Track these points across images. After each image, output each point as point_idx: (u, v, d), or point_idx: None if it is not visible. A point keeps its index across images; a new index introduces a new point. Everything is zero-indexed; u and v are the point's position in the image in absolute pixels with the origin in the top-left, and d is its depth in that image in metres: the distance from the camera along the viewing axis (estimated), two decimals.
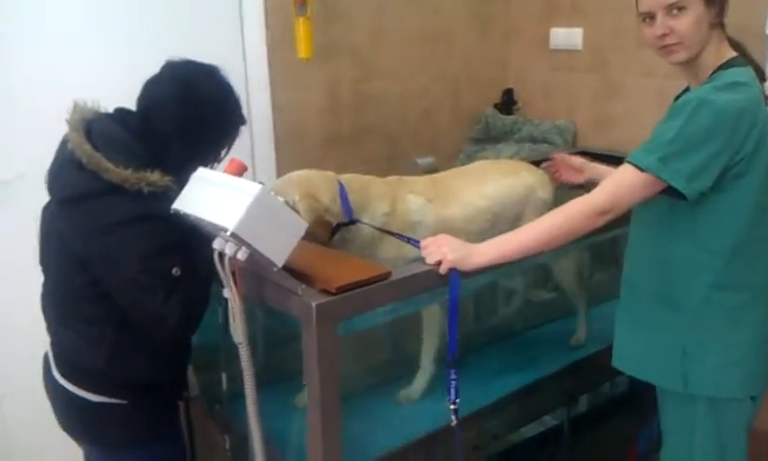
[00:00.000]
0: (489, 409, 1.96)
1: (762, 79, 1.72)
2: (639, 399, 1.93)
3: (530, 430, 2.44)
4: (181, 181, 1.58)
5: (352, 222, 1.90)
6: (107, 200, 1.54)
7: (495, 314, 2.49)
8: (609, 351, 1.88)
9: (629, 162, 1.63)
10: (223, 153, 1.76)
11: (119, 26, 2.47)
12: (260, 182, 1.49)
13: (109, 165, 1.53)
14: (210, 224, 1.47)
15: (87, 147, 1.55)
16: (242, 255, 1.47)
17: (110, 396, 1.66)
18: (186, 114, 1.63)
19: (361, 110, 3.10)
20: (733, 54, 1.69)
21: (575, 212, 1.66)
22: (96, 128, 1.61)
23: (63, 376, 1.68)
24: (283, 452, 1.74)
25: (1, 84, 2.35)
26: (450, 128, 3.44)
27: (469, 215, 2.05)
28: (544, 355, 2.23)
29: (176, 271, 1.57)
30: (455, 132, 3.46)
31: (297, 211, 1.79)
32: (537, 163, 2.80)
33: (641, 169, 1.60)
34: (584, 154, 3.02)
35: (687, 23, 1.62)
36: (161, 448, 1.77)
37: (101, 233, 1.54)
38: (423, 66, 3.28)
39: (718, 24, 1.66)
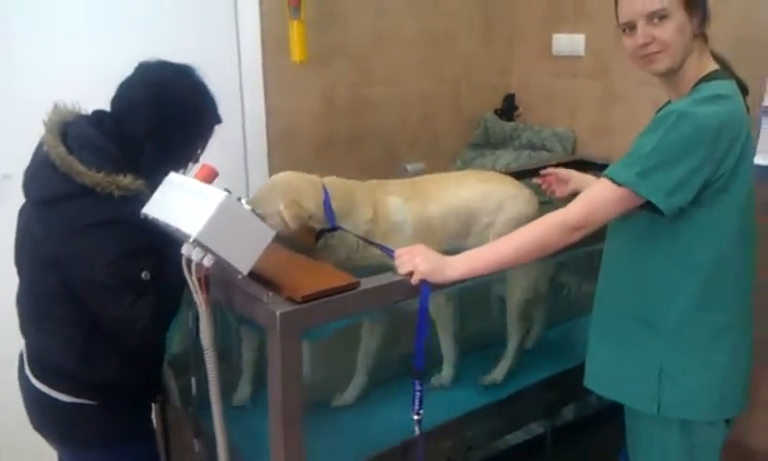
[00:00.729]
0: (464, 419, 1.95)
1: (745, 92, 1.68)
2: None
3: (511, 439, 2.41)
4: (155, 185, 1.58)
5: (334, 228, 1.89)
6: (78, 202, 1.55)
7: (480, 320, 2.47)
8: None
9: (605, 176, 1.60)
10: (198, 153, 1.76)
11: (114, 30, 2.50)
12: (226, 190, 1.48)
13: (82, 168, 1.54)
14: (176, 230, 1.48)
15: (61, 149, 1.57)
16: (208, 262, 1.47)
17: (81, 396, 1.67)
18: (158, 117, 1.63)
19: (357, 115, 3.09)
20: (715, 66, 1.66)
21: (548, 227, 1.63)
22: (73, 130, 1.63)
23: (35, 375, 1.70)
24: (250, 458, 1.74)
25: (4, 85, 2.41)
26: (449, 133, 3.42)
27: (445, 214, 2.05)
28: (526, 366, 2.21)
29: (145, 275, 1.58)
30: (454, 137, 3.44)
31: (283, 219, 1.81)
32: (533, 172, 2.80)
33: (618, 183, 1.57)
34: (580, 162, 3.03)
35: (670, 31, 1.58)
36: (132, 449, 1.77)
37: (72, 235, 1.55)
38: (423, 70, 3.27)
39: (700, 35, 1.63)
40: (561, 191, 2.20)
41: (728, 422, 1.73)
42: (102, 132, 1.63)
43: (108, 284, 1.55)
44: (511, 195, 2.15)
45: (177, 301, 1.66)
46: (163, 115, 1.64)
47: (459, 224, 2.06)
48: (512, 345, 2.23)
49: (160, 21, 2.59)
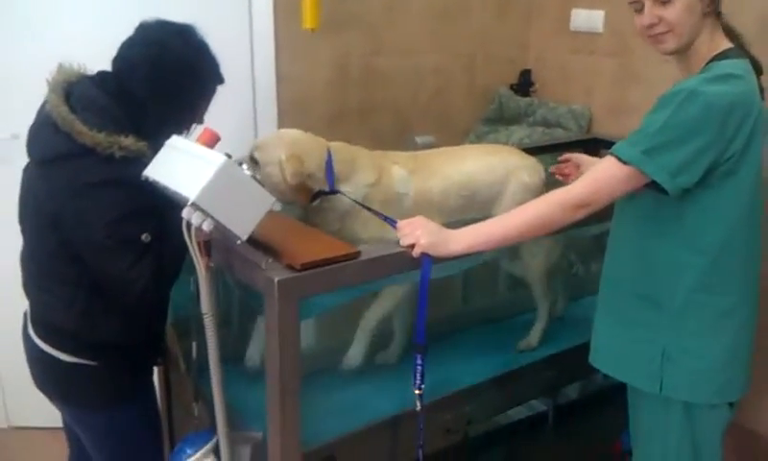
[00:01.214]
0: (464, 393, 1.94)
1: (759, 72, 1.64)
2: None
3: (514, 415, 2.41)
4: (157, 147, 1.58)
5: (333, 192, 1.88)
6: (79, 162, 1.54)
7: (485, 295, 2.45)
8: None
9: (611, 153, 1.57)
10: (201, 114, 1.75)
11: None
12: (227, 154, 1.47)
13: (83, 128, 1.54)
14: (175, 193, 1.47)
15: (63, 109, 1.56)
16: (207, 227, 1.46)
17: (82, 357, 1.68)
18: (159, 76, 1.62)
19: (369, 85, 3.06)
20: (729, 45, 1.62)
21: (553, 204, 1.61)
22: (76, 90, 1.62)
23: (37, 334, 1.71)
24: (248, 423, 1.75)
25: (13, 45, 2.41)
26: (463, 107, 3.38)
27: (447, 189, 2.03)
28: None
29: (145, 236, 1.57)
30: (467, 111, 3.40)
31: (282, 170, 1.81)
32: (546, 149, 2.77)
33: (624, 161, 1.54)
34: (594, 141, 2.99)
35: (676, 12, 1.55)
36: (131, 410, 1.79)
37: (72, 195, 1.55)
38: (437, 42, 3.22)
39: (712, 12, 1.59)
40: (574, 175, 2.17)
41: (731, 405, 1.72)
42: (105, 92, 1.62)
43: (108, 245, 1.55)
44: (516, 166, 2.14)
45: (178, 264, 1.66)
46: (163, 74, 1.63)
47: (462, 198, 2.05)
48: (542, 308, 2.24)
49: None
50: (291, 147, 1.86)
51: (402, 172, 1.99)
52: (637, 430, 1.82)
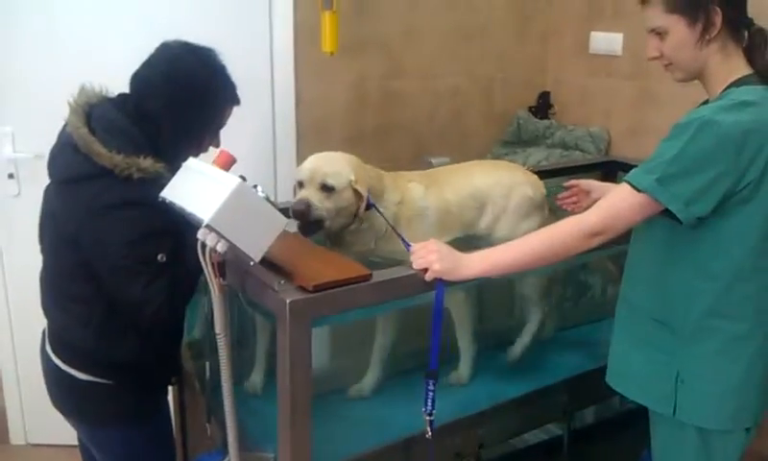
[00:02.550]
0: (476, 416, 1.93)
1: None
2: (647, 416, 1.87)
3: (529, 439, 2.39)
4: (175, 168, 1.60)
5: (369, 206, 1.89)
6: (97, 183, 1.58)
7: (498, 318, 2.45)
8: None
9: (626, 181, 1.58)
10: (217, 135, 1.78)
11: (148, 16, 2.54)
12: (241, 177, 1.50)
13: (102, 150, 1.57)
14: (191, 215, 1.50)
15: (83, 130, 1.60)
16: (221, 248, 1.48)
17: (97, 375, 1.71)
18: (171, 90, 1.65)
19: (387, 108, 3.09)
20: (748, 70, 1.61)
21: (567, 232, 1.61)
22: (96, 112, 1.66)
23: (54, 352, 1.74)
24: (260, 444, 1.75)
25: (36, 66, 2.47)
26: (480, 129, 3.39)
27: (462, 201, 2.08)
28: (542, 366, 2.19)
29: (161, 257, 1.60)
30: (485, 133, 3.41)
31: (354, 192, 1.85)
32: (563, 171, 2.76)
33: (638, 189, 1.54)
34: (612, 163, 2.98)
35: (670, 46, 1.60)
36: (146, 429, 1.81)
37: (90, 216, 1.58)
38: (455, 65, 3.24)
39: (717, 39, 1.58)
40: (583, 202, 2.17)
41: (747, 430, 1.69)
42: (125, 114, 1.66)
43: (124, 265, 1.58)
44: (519, 181, 2.18)
45: (192, 284, 1.69)
46: (177, 91, 1.66)
47: (474, 210, 2.09)
48: (530, 325, 2.25)
49: (194, 8, 2.62)
50: (353, 168, 1.89)
51: (420, 188, 2.03)
52: (656, 451, 1.80)
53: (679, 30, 1.58)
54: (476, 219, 2.10)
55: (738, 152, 1.49)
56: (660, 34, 1.60)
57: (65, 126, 1.66)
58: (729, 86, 1.59)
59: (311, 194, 1.86)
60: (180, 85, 1.66)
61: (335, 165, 1.90)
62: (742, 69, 1.61)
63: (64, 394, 1.78)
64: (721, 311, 1.61)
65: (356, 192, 1.86)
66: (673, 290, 1.65)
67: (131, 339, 1.69)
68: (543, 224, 2.11)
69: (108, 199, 1.57)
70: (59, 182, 1.66)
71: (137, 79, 1.70)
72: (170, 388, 1.96)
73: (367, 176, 1.92)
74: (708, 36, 1.57)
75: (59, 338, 1.74)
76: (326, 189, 1.86)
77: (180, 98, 1.66)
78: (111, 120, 1.64)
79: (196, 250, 1.52)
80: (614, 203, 1.60)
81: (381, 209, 1.91)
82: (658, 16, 1.60)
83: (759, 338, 1.64)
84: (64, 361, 1.72)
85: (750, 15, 1.64)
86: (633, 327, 1.76)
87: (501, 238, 2.03)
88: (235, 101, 1.77)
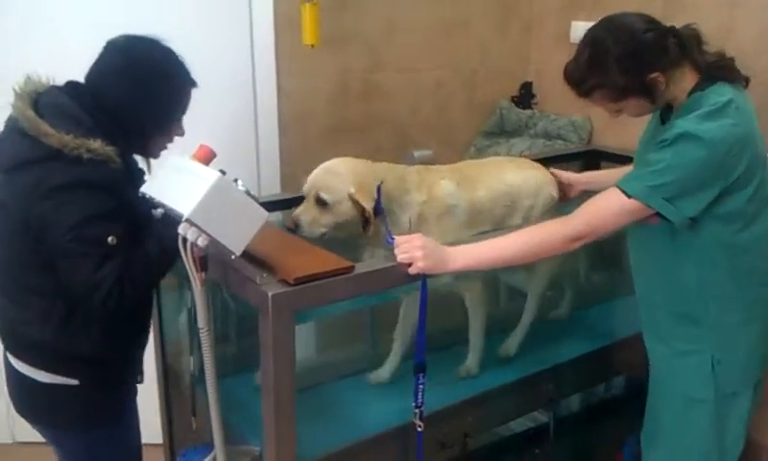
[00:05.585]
0: (460, 406, 1.95)
1: (745, 83, 1.68)
2: (632, 403, 1.89)
3: (515, 427, 2.40)
4: (132, 153, 1.61)
5: (378, 213, 1.85)
6: (45, 165, 1.53)
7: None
8: (593, 354, 1.84)
9: (617, 186, 1.61)
10: (179, 121, 1.74)
11: (128, 9, 2.51)
12: (221, 171, 1.49)
13: (50, 130, 1.53)
14: (171, 209, 1.49)
15: (29, 112, 1.56)
16: (202, 242, 1.48)
17: (60, 373, 1.65)
18: (131, 80, 1.63)
19: (370, 100, 3.08)
20: (697, 76, 1.64)
21: (550, 234, 1.66)
22: (44, 98, 1.62)
23: (12, 353, 1.69)
24: (246, 438, 1.76)
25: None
26: (463, 120, 3.39)
27: (495, 198, 2.06)
28: (528, 354, 2.20)
29: (111, 239, 1.54)
30: (468, 125, 3.41)
31: (354, 203, 1.80)
32: (549, 160, 2.77)
33: (628, 195, 1.58)
34: (594, 153, 3.00)
35: (630, 113, 1.68)
36: (113, 431, 1.77)
37: (39, 198, 1.53)
38: (438, 57, 3.24)
39: (663, 83, 1.62)
40: (569, 195, 2.21)
41: (755, 387, 1.77)
42: (78, 104, 1.61)
43: (72, 247, 1.52)
44: (545, 180, 2.19)
45: (151, 275, 1.64)
46: (137, 80, 1.63)
47: (505, 207, 2.08)
48: (526, 317, 2.26)
49: (173, 2, 2.59)
50: (354, 177, 1.84)
51: (451, 185, 2.00)
52: (664, 430, 1.84)
53: (633, 105, 1.65)
54: (506, 217, 2.08)
55: (724, 158, 1.55)
56: (617, 110, 1.67)
57: (10, 115, 1.62)
58: (691, 93, 1.63)
59: (307, 209, 1.84)
60: (140, 74, 1.64)
61: (331, 178, 1.85)
62: (694, 78, 1.65)
63: (27, 399, 1.72)
64: (736, 287, 1.68)
65: (358, 203, 1.81)
66: (687, 286, 1.71)
67: (94, 333, 1.63)
68: None
69: (56, 180, 1.52)
70: (7, 171, 1.60)
71: (91, 74, 1.66)
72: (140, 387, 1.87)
73: (375, 182, 1.86)
74: (659, 92, 1.63)
75: (13, 334, 1.68)
76: (321, 204, 1.83)
77: (141, 87, 1.63)
78: (60, 104, 1.60)
79: (160, 241, 1.52)
80: (600, 208, 1.64)
81: (404, 209, 1.90)
82: (606, 106, 1.66)
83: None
84: (23, 360, 1.67)
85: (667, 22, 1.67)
86: (656, 326, 1.82)
87: None
88: (192, 83, 1.72)
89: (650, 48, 1.59)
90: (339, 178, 1.84)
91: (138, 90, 1.64)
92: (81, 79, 1.68)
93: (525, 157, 2.85)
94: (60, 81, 1.69)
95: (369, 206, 1.81)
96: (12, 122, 1.61)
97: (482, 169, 2.15)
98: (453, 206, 1.98)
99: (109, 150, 1.56)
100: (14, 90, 1.62)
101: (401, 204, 1.91)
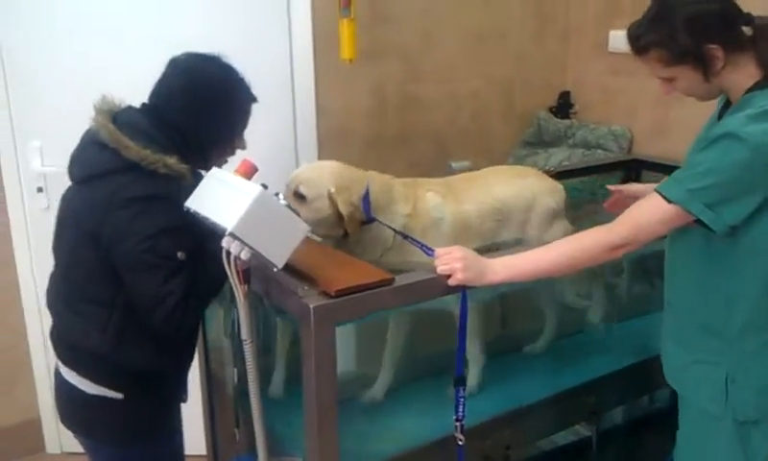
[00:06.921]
0: (503, 419, 1.94)
1: None
2: (675, 416, 1.86)
3: (557, 440, 2.38)
4: (199, 173, 1.63)
5: (370, 220, 1.90)
6: (122, 177, 1.59)
7: (524, 320, 2.44)
8: (636, 366, 1.80)
9: (657, 191, 1.59)
10: (241, 135, 1.79)
11: (165, 28, 2.56)
12: (263, 185, 1.52)
13: (130, 143, 1.59)
14: (214, 224, 1.52)
15: (111, 126, 1.62)
16: (245, 255, 1.51)
17: (109, 386, 1.68)
18: (195, 100, 1.68)
19: (407, 112, 3.10)
20: (759, 76, 1.59)
21: (594, 243, 1.63)
22: (121, 117, 1.68)
23: (64, 362, 1.72)
24: (288, 448, 1.77)
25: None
26: (501, 131, 3.39)
27: (482, 212, 2.05)
28: (569, 367, 2.18)
29: (181, 254, 1.59)
30: (506, 135, 3.41)
31: (332, 202, 1.84)
32: (585, 171, 2.76)
33: (668, 200, 1.55)
34: (635, 162, 2.97)
35: (682, 88, 1.62)
36: (154, 449, 1.78)
37: (113, 208, 1.58)
38: (475, 67, 3.25)
39: (723, 66, 1.57)
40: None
41: None
42: (151, 123, 1.67)
43: (145, 259, 1.57)
44: (542, 190, 2.16)
45: (211, 292, 1.68)
46: (200, 99, 1.68)
47: (495, 221, 2.06)
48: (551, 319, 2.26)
49: (213, 18, 2.65)
50: (337, 178, 1.88)
51: (437, 198, 2.01)
52: (681, 438, 1.81)
53: (685, 76, 1.59)
54: (496, 231, 2.07)
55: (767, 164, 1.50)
56: (669, 79, 1.61)
57: (88, 130, 1.68)
58: (748, 91, 1.58)
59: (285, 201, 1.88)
60: (203, 94, 1.69)
61: (313, 175, 1.90)
62: (756, 75, 1.59)
63: (71, 408, 1.76)
64: (763, 310, 1.61)
65: (335, 205, 1.83)
66: (715, 295, 1.66)
67: (147, 347, 1.67)
68: (565, 231, 2.12)
69: (133, 191, 1.58)
70: (80, 182, 1.66)
71: (155, 95, 1.72)
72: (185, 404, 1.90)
73: (359, 189, 1.88)
74: (715, 69, 1.57)
75: (67, 342, 1.72)
76: (299, 198, 1.87)
77: (205, 106, 1.69)
78: (137, 123, 1.66)
79: (218, 259, 1.54)
80: (642, 215, 1.60)
81: (387, 221, 1.90)
82: (659, 70, 1.61)
83: None
84: (73, 369, 1.70)
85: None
86: (679, 332, 1.78)
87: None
88: (252, 98, 1.78)
89: (717, 17, 1.55)
90: (321, 176, 1.89)
91: (204, 110, 1.69)
92: (136, 88, 1.73)
93: (564, 167, 2.84)
94: (118, 90, 1.75)
95: (345, 211, 1.83)
96: (89, 135, 1.67)
97: (471, 182, 2.13)
98: (439, 219, 1.98)
99: (184, 167, 1.62)
100: (94, 106, 1.68)
101: (385, 214, 1.92)
